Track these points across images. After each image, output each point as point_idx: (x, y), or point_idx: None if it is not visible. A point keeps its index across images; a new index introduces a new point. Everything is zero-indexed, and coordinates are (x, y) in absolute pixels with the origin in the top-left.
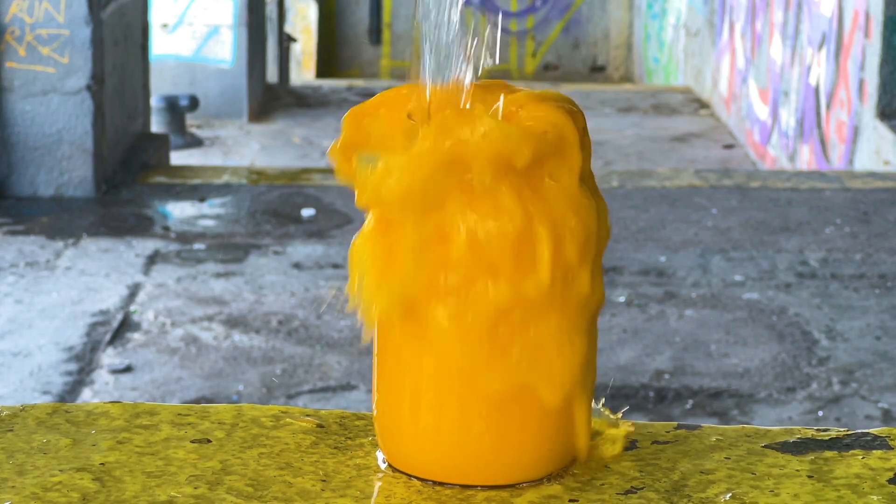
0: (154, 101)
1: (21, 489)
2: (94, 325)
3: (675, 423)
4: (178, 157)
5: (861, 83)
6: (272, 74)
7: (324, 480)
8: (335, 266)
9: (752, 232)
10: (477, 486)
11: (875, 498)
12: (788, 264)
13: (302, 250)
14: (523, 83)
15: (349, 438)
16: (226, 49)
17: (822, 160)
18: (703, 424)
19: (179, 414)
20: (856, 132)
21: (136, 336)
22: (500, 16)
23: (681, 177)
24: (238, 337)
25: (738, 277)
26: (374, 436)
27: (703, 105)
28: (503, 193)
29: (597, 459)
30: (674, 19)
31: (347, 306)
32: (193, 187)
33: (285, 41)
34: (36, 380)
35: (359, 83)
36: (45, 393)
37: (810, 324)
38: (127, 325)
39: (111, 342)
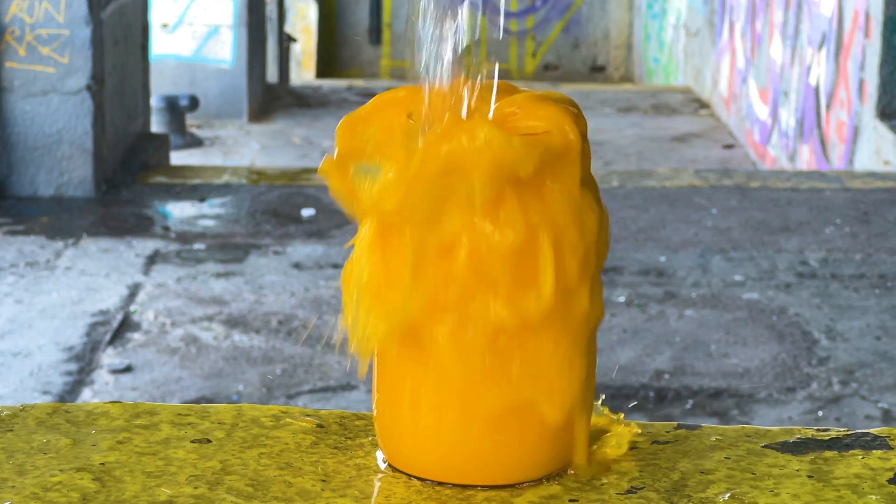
0: (154, 101)
1: (21, 489)
2: (94, 325)
3: (675, 423)
4: (178, 157)
5: (861, 83)
6: (272, 74)
7: (324, 480)
8: (335, 266)
9: (752, 232)
10: (477, 486)
11: (875, 498)
12: (788, 264)
13: (302, 250)
14: (523, 83)
15: (349, 438)
16: (226, 49)
17: (822, 160)
18: (703, 424)
19: (179, 414)
20: (856, 132)
21: (136, 336)
22: (501, 16)
23: (681, 177)
24: (238, 337)
25: (738, 277)
26: (374, 436)
27: (703, 105)
28: (506, 204)
29: (600, 460)
30: (674, 19)
31: (344, 337)
32: (193, 187)
33: (285, 41)
34: (36, 380)
35: (359, 83)
36: (45, 393)
37: (810, 324)
38: (127, 325)
39: (111, 342)
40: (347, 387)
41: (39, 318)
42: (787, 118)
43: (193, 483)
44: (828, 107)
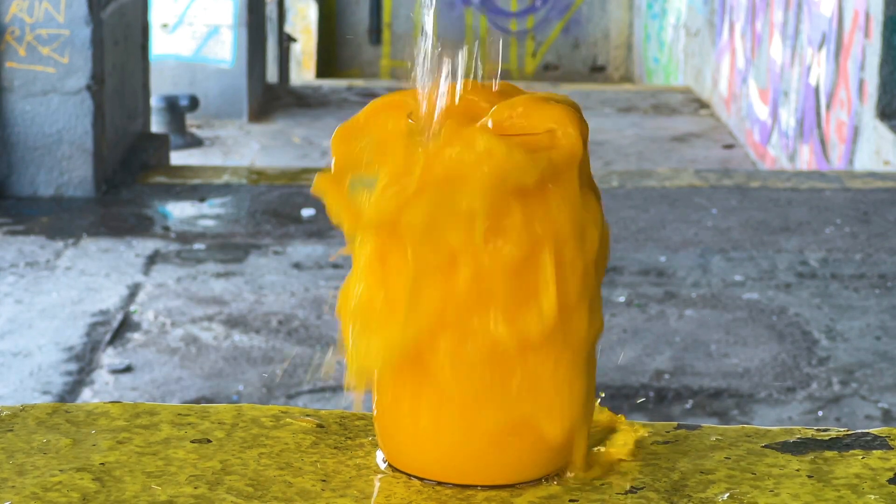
0: (154, 101)
1: (21, 489)
2: (94, 325)
3: (675, 423)
4: (178, 157)
5: (861, 83)
6: (272, 74)
7: (324, 480)
8: (335, 266)
9: (752, 232)
10: (477, 486)
11: (875, 498)
12: (788, 264)
13: (302, 250)
14: (523, 83)
15: (349, 438)
16: (226, 49)
17: (822, 160)
18: (703, 424)
19: (179, 414)
20: (856, 132)
21: (136, 336)
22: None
23: (681, 177)
24: (238, 337)
25: (738, 277)
26: (374, 436)
27: (703, 105)
28: (509, 215)
29: (605, 461)
30: (674, 19)
31: (342, 363)
32: (193, 187)
33: (285, 41)
34: (36, 380)
35: (359, 83)
36: (45, 393)
37: (810, 324)
38: (127, 325)
39: (111, 342)
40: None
41: (39, 318)
42: (787, 118)
43: (193, 483)
44: (828, 107)
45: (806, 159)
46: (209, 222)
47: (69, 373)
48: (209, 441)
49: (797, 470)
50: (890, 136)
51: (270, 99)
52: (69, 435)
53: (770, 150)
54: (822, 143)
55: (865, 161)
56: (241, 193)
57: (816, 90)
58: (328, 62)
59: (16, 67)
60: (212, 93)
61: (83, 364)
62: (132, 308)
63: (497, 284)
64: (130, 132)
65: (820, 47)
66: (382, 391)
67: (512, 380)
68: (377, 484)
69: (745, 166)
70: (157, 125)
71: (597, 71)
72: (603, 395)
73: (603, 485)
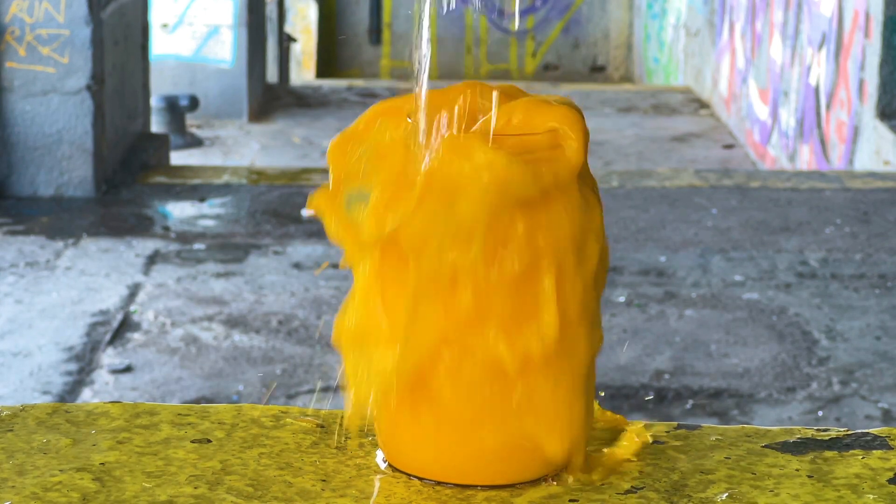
0: (154, 101)
1: (21, 489)
2: (94, 325)
3: (675, 423)
4: (178, 157)
5: (861, 83)
6: (272, 74)
7: (324, 480)
8: (335, 266)
9: (752, 232)
10: (477, 486)
11: (875, 498)
12: (788, 264)
13: (302, 250)
14: (523, 83)
15: (349, 438)
16: (226, 49)
17: (822, 160)
18: (703, 424)
19: (179, 414)
20: (856, 132)
21: (136, 336)
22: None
23: (681, 177)
24: (238, 337)
25: (738, 277)
26: (374, 436)
27: (703, 105)
28: (509, 229)
29: (610, 462)
30: (674, 19)
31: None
32: (193, 187)
33: (285, 41)
34: (36, 380)
35: (359, 83)
36: (45, 393)
37: (810, 324)
38: (127, 325)
39: (111, 342)
40: None
41: (39, 318)
42: (787, 118)
43: (193, 483)
44: (828, 107)
45: (806, 159)
46: (209, 222)
47: (69, 373)
48: (209, 441)
49: (797, 470)
50: (890, 136)
51: (270, 99)
52: (69, 435)
53: (770, 150)
54: (822, 143)
55: (865, 161)
56: (241, 193)
57: (816, 90)
58: (328, 62)
59: (16, 67)
60: (212, 93)
61: (83, 364)
62: (132, 308)
63: (497, 300)
64: (130, 132)
65: (820, 47)
66: (382, 405)
67: (512, 398)
68: (377, 484)
69: (745, 166)
70: (157, 125)
71: (597, 71)
72: (602, 394)
73: (603, 485)
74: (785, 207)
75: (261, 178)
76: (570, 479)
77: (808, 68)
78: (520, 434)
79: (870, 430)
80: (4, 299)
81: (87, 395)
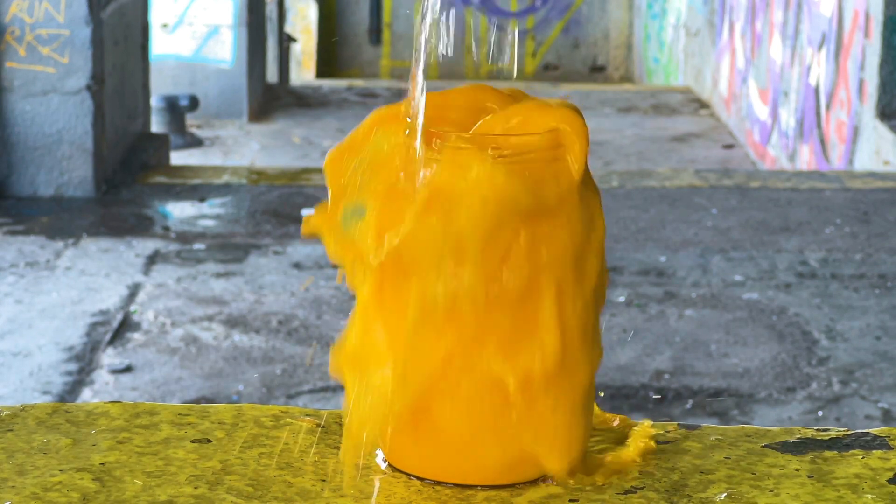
0: (154, 101)
1: (21, 489)
2: (94, 325)
3: (676, 423)
4: (178, 157)
5: (861, 83)
6: (272, 74)
7: (324, 480)
8: (335, 266)
9: (752, 232)
10: (477, 486)
11: (875, 498)
12: (788, 264)
13: (302, 250)
14: (523, 83)
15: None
16: (226, 49)
17: (822, 160)
18: (703, 424)
19: (179, 414)
20: (856, 132)
21: (136, 336)
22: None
23: (681, 177)
24: (238, 337)
25: (738, 277)
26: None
27: (703, 105)
28: (509, 244)
29: (617, 464)
30: (674, 19)
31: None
32: (193, 187)
33: (285, 41)
34: (36, 380)
35: (359, 83)
36: (45, 393)
37: (810, 324)
38: (127, 325)
39: (111, 342)
40: None
41: (39, 318)
42: (787, 118)
43: (193, 483)
44: (828, 107)
45: (806, 159)
46: (209, 222)
47: (69, 373)
48: (209, 441)
49: (797, 470)
50: (890, 136)
51: (270, 99)
52: (69, 435)
53: (770, 150)
54: (822, 143)
55: (865, 161)
56: (241, 193)
57: (816, 90)
58: (328, 62)
59: (16, 67)
60: (212, 93)
61: (83, 364)
62: (132, 308)
63: (497, 318)
64: (130, 132)
65: (820, 47)
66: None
67: (511, 416)
68: (377, 484)
69: (745, 166)
70: (157, 125)
71: (597, 71)
72: (602, 394)
73: (603, 485)
74: (785, 207)
75: (261, 178)
76: (571, 480)
77: (808, 68)
78: (519, 451)
79: (870, 430)
80: (4, 299)
81: (87, 395)
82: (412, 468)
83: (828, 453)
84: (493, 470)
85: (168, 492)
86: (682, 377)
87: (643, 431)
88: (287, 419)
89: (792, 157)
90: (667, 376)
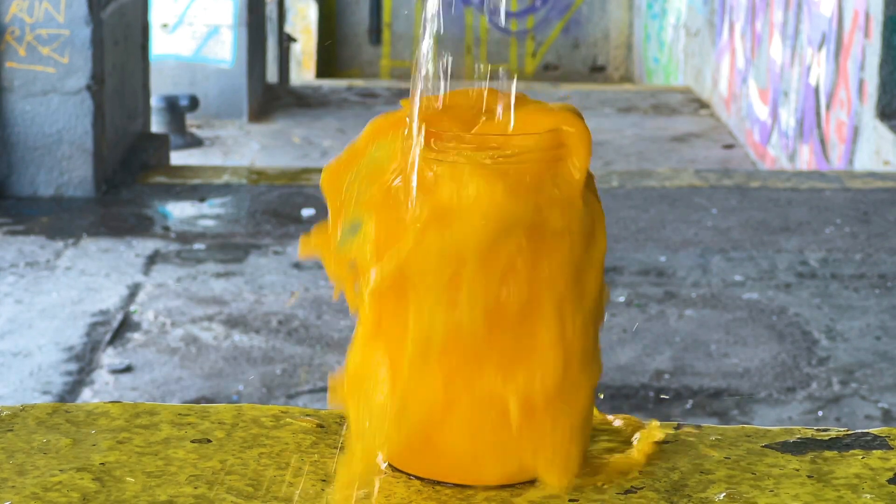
0: (154, 101)
1: (21, 489)
2: (94, 325)
3: (675, 423)
4: (178, 157)
5: (861, 83)
6: (272, 74)
7: (324, 480)
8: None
9: (752, 232)
10: (477, 486)
11: (875, 498)
12: (788, 264)
13: None
14: (523, 83)
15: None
16: (226, 49)
17: (822, 160)
18: (703, 424)
19: (179, 414)
20: (856, 132)
21: (136, 336)
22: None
23: (681, 177)
24: (238, 337)
25: (738, 277)
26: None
27: (703, 105)
28: (510, 261)
29: (620, 466)
30: (674, 19)
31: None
32: (193, 187)
33: (285, 41)
34: (36, 380)
35: (359, 83)
36: (45, 393)
37: (810, 324)
38: (127, 325)
39: (111, 342)
40: None
41: (39, 318)
42: (787, 118)
43: (193, 483)
44: (828, 107)
45: (806, 159)
46: (209, 222)
47: (69, 373)
48: (209, 441)
49: (797, 470)
50: (890, 136)
51: (270, 99)
52: (69, 435)
53: (770, 150)
54: (822, 143)
55: (865, 161)
56: (241, 193)
57: (816, 90)
58: (328, 62)
59: (16, 67)
60: (212, 93)
61: (83, 364)
62: (132, 308)
63: (497, 337)
64: (130, 132)
65: (820, 47)
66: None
67: (511, 435)
68: (377, 484)
69: (745, 166)
70: (157, 125)
71: (597, 71)
72: (602, 396)
73: (603, 485)
74: (785, 207)
75: (261, 178)
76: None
77: (808, 68)
78: (518, 467)
79: (870, 430)
80: (4, 299)
81: (87, 395)
82: (412, 470)
83: (828, 453)
84: (492, 481)
85: (168, 492)
86: (682, 377)
87: (651, 434)
88: (287, 419)
89: (792, 157)
90: (667, 376)
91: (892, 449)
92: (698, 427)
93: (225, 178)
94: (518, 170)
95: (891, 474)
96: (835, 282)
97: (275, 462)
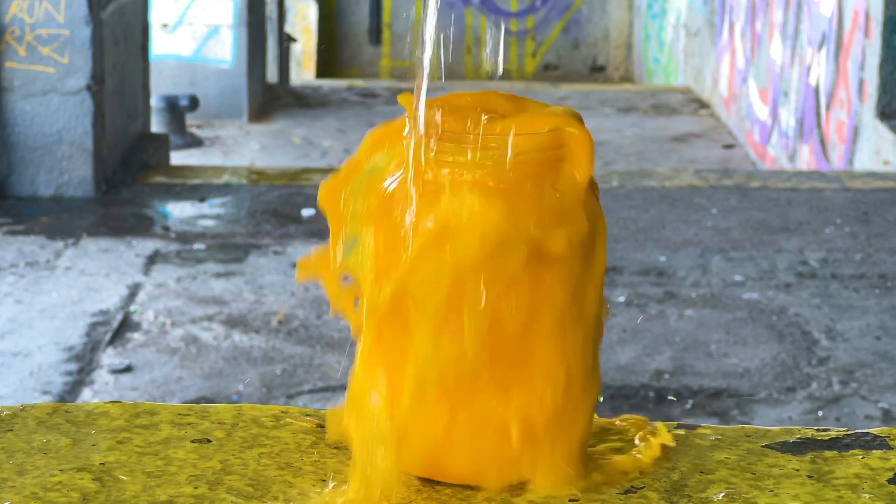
0: (154, 101)
1: (21, 489)
2: (94, 325)
3: (675, 423)
4: (178, 157)
5: (861, 83)
6: (272, 74)
7: (324, 480)
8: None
9: (752, 232)
10: (477, 486)
11: (875, 498)
12: (788, 264)
13: (302, 250)
14: (523, 83)
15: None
16: (226, 49)
17: (822, 160)
18: (703, 424)
19: (179, 414)
20: (856, 132)
21: (136, 336)
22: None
23: (681, 177)
24: (238, 337)
25: (738, 277)
26: None
27: (703, 105)
28: (510, 280)
29: (622, 466)
30: (674, 19)
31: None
32: (193, 187)
33: (285, 41)
34: (36, 380)
35: (359, 83)
36: (45, 393)
37: (810, 324)
38: (127, 325)
39: (111, 342)
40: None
41: (39, 318)
42: (787, 118)
43: (193, 483)
44: (828, 107)
45: (806, 159)
46: (209, 222)
47: (69, 373)
48: (209, 441)
49: (797, 470)
50: (890, 136)
51: (270, 99)
52: (69, 435)
53: (770, 150)
54: (822, 143)
55: (865, 161)
56: (241, 193)
57: (816, 90)
58: (328, 62)
59: (16, 67)
60: (212, 93)
61: (83, 364)
62: (132, 308)
63: (497, 357)
64: (130, 132)
65: (820, 47)
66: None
67: (511, 452)
68: None
69: (745, 166)
70: (157, 125)
71: (597, 71)
72: (601, 397)
73: (603, 484)
74: (785, 207)
75: (261, 178)
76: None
77: (808, 68)
78: (518, 478)
79: (870, 430)
80: (4, 299)
81: (87, 395)
82: (412, 471)
83: (828, 453)
84: (490, 490)
85: (168, 492)
86: (682, 377)
87: (660, 436)
88: (287, 419)
89: (792, 157)
90: (667, 376)
91: (892, 449)
92: (698, 427)
93: (225, 178)
94: (518, 177)
95: (891, 474)
96: (835, 282)
97: (275, 462)
